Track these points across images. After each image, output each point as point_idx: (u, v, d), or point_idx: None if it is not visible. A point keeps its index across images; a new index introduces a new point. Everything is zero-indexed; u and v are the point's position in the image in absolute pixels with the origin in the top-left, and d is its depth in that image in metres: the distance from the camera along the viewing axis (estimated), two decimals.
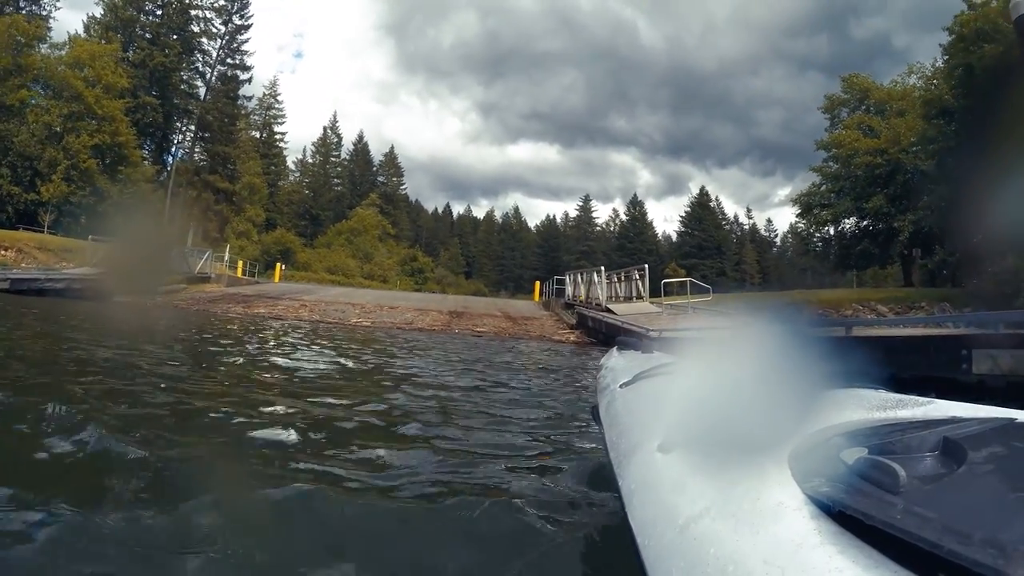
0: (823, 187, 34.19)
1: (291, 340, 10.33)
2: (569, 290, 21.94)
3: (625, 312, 15.30)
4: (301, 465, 2.77)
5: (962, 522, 0.57)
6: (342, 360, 7.78)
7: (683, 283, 16.26)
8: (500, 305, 25.25)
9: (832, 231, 35.56)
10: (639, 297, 17.61)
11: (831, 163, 34.32)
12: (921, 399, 1.17)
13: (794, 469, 0.80)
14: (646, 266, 17.63)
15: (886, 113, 33.64)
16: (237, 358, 7.55)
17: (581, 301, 19.46)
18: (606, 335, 13.98)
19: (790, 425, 0.91)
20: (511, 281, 71.00)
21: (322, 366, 7.14)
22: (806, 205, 34.84)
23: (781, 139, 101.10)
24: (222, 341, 9.50)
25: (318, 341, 10.46)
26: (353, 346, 10.16)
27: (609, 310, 16.01)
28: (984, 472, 0.72)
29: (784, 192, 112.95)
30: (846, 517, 0.65)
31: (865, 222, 32.88)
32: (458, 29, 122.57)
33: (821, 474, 0.76)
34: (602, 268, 17.98)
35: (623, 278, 19.43)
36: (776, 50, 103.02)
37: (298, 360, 7.44)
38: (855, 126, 33.20)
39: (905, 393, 1.22)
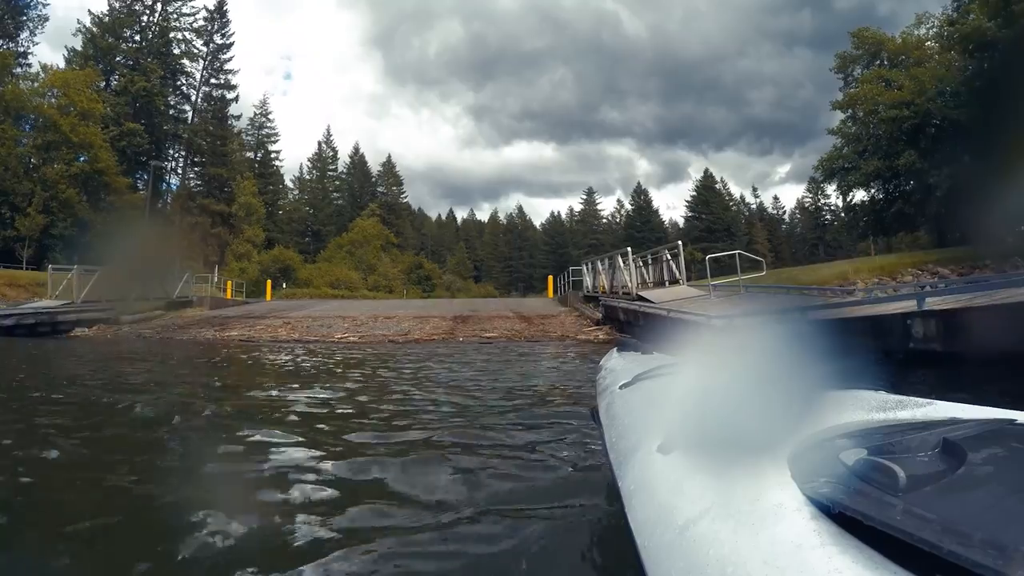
0: (845, 149, 30.78)
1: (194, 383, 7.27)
2: (588, 281, 18.62)
3: (663, 299, 12.13)
4: None
5: (961, 523, 0.56)
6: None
7: (732, 256, 13.02)
8: (512, 305, 22.08)
9: (860, 195, 32.08)
10: (673, 281, 14.39)
11: (849, 123, 31.11)
12: (921, 400, 1.13)
13: (794, 470, 0.78)
14: (679, 243, 14.34)
15: (902, 65, 30.50)
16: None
17: (604, 292, 16.23)
18: (644, 328, 10.85)
19: (790, 426, 0.88)
20: (521, 282, 68.28)
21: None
22: (829, 170, 31.33)
23: (775, 117, 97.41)
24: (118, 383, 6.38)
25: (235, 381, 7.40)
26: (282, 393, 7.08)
27: (643, 298, 12.82)
28: (983, 473, 0.71)
29: (784, 169, 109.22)
30: (846, 518, 0.63)
31: (894, 183, 29.64)
32: (443, 36, 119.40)
33: (821, 475, 0.74)
34: (628, 249, 14.72)
35: (650, 261, 16.20)
36: (760, 29, 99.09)
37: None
38: (874, 80, 29.93)
39: None
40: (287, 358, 9.44)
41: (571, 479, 2.56)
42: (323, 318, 16.39)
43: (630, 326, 11.87)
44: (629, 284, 14.01)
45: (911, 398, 1.15)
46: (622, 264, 14.70)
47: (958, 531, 0.54)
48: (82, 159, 33.05)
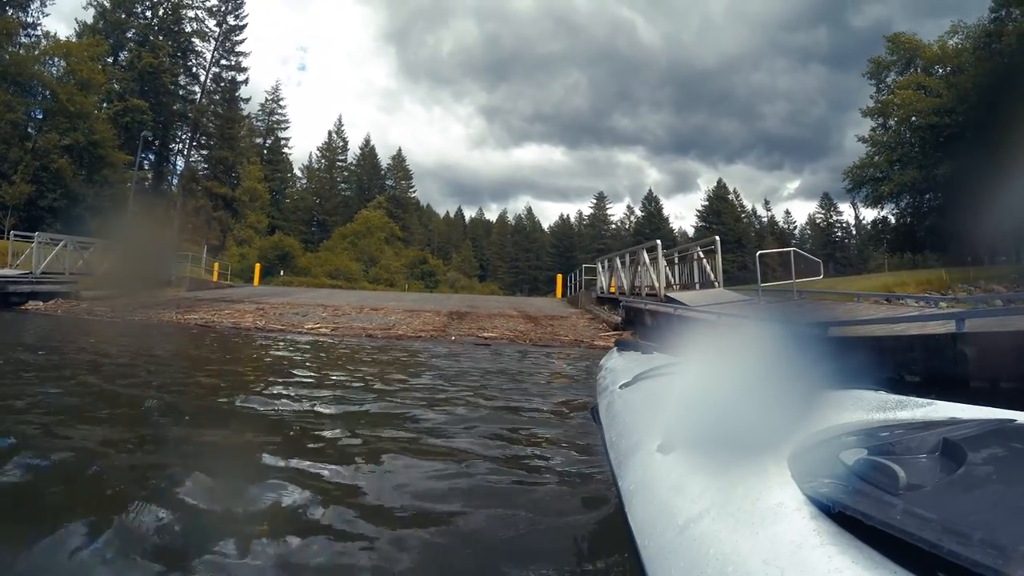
0: (876, 157, 28.25)
1: None
2: (603, 280, 16.14)
3: (700, 302, 9.78)
4: None
5: (961, 523, 0.55)
6: None
7: (783, 254, 10.55)
8: (516, 303, 19.71)
9: (887, 209, 29.55)
10: (707, 283, 12.01)
11: (880, 131, 28.69)
12: (921, 400, 1.10)
13: (794, 470, 0.76)
14: (717, 239, 11.92)
15: (935, 74, 28.22)
16: None
17: (623, 292, 13.83)
18: (678, 336, 8.45)
19: (790, 426, 0.86)
20: (526, 283, 65.85)
21: None
22: (859, 179, 28.78)
23: (787, 132, 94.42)
24: None
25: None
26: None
27: (673, 300, 10.45)
28: (983, 473, 0.69)
29: (793, 185, 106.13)
30: (846, 518, 0.62)
31: (927, 195, 27.21)
32: (458, 36, 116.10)
33: (821, 475, 0.72)
34: (658, 242, 12.20)
35: (677, 260, 13.81)
36: (775, 44, 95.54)
37: None
38: (910, 87, 27.49)
39: None
40: (214, 347, 7.22)
41: (570, 479, 2.44)
42: (303, 306, 14.11)
43: (659, 332, 9.50)
44: (656, 284, 11.55)
45: (911, 398, 1.11)
46: (647, 260, 12.24)
47: (958, 531, 0.53)
48: (83, 131, 30.92)
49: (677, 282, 13.30)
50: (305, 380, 5.05)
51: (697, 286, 12.31)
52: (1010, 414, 0.96)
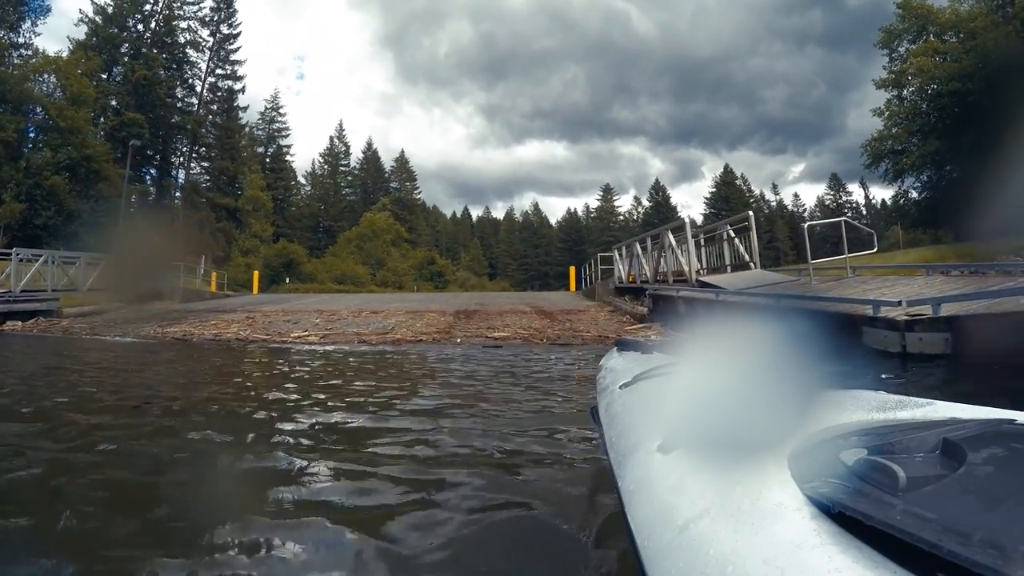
0: (894, 129, 26.63)
1: None
2: (622, 268, 14.68)
3: (739, 285, 8.34)
4: None
5: (961, 523, 0.54)
6: None
7: (835, 224, 9.02)
8: (528, 299, 18.28)
9: (907, 184, 27.96)
10: (740, 265, 10.55)
11: (895, 103, 27.08)
12: (921, 400, 1.06)
13: (794, 469, 0.74)
14: (750, 213, 10.45)
15: (949, 40, 26.59)
16: None
17: (646, 280, 12.35)
18: (721, 325, 7.01)
19: (790, 425, 0.84)
20: (537, 279, 64.47)
21: None
22: (877, 152, 27.16)
23: (788, 116, 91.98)
24: None
25: None
26: None
27: (707, 284, 9.01)
28: (983, 473, 0.68)
29: (798, 168, 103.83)
30: (846, 518, 0.61)
31: (948, 167, 25.60)
32: (453, 36, 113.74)
33: (821, 475, 0.71)
34: (687, 220, 10.73)
35: (703, 242, 12.32)
36: (771, 28, 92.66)
37: None
38: (927, 53, 25.87)
39: None
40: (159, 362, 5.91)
41: (570, 479, 2.40)
42: (297, 312, 12.80)
43: (694, 321, 8.05)
44: (686, 268, 10.09)
45: (911, 398, 1.07)
46: (674, 242, 10.76)
47: (958, 531, 0.52)
48: (76, 146, 29.85)
49: (704, 266, 11.84)
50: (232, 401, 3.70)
51: (728, 269, 10.87)
52: (1010, 414, 0.91)
